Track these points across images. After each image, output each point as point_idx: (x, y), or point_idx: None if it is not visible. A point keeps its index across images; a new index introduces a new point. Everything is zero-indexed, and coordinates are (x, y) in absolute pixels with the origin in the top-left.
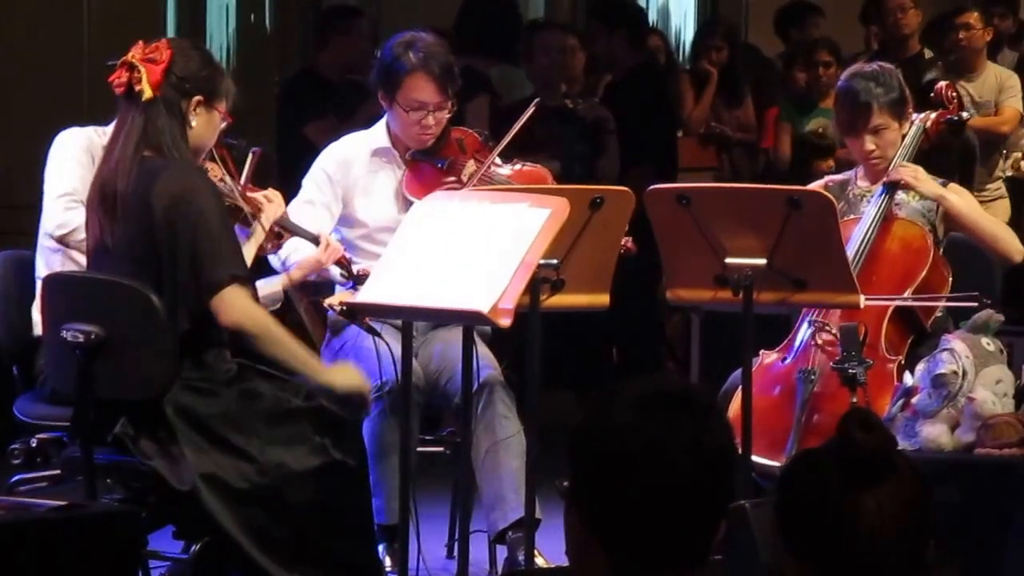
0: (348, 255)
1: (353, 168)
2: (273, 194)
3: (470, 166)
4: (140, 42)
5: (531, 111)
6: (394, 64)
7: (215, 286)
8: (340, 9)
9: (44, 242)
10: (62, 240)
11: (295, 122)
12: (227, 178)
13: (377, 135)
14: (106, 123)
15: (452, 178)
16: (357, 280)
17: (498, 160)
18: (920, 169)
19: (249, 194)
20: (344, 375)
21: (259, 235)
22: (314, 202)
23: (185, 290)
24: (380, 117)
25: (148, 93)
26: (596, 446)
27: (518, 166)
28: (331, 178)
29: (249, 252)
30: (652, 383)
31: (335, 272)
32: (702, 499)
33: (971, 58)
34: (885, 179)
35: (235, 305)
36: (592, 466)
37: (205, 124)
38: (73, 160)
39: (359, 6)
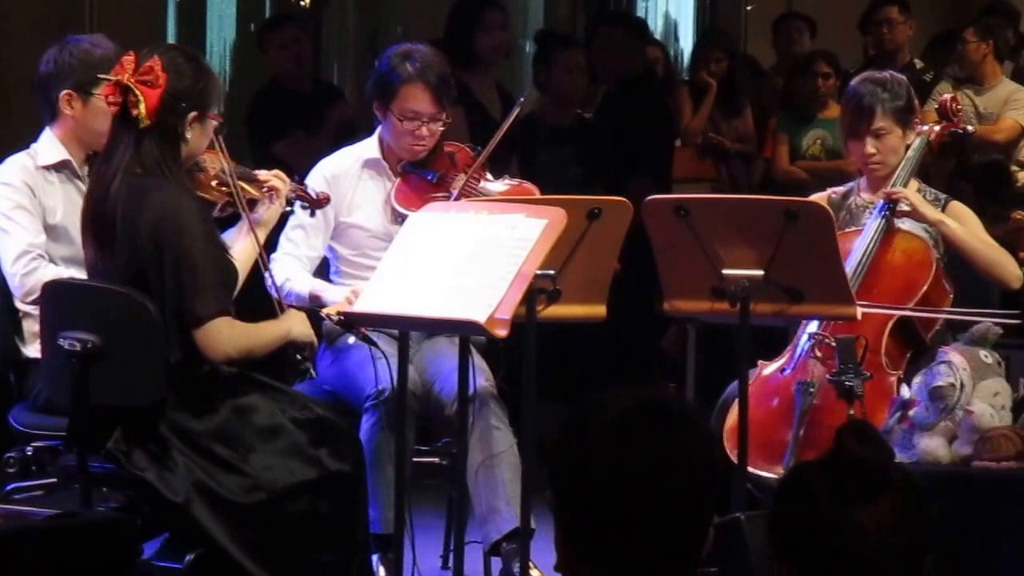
0: (301, 184)
1: (342, 182)
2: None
3: (460, 179)
4: (132, 55)
5: (514, 114)
6: (390, 74)
7: (200, 320)
8: (261, 27)
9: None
10: (35, 302)
11: (264, 140)
12: (226, 166)
13: (369, 147)
14: (34, 140)
15: (442, 192)
16: (316, 204)
17: (490, 176)
18: (915, 194)
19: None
20: (300, 323)
21: (275, 213)
22: (305, 226)
23: (171, 315)
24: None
25: (145, 121)
26: (572, 461)
27: (512, 182)
28: None
29: (262, 235)
30: (630, 396)
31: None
32: (683, 512)
33: (973, 70)
34: (884, 195)
35: (221, 339)
36: (569, 481)
37: (199, 135)
38: (16, 210)
39: (292, 14)
